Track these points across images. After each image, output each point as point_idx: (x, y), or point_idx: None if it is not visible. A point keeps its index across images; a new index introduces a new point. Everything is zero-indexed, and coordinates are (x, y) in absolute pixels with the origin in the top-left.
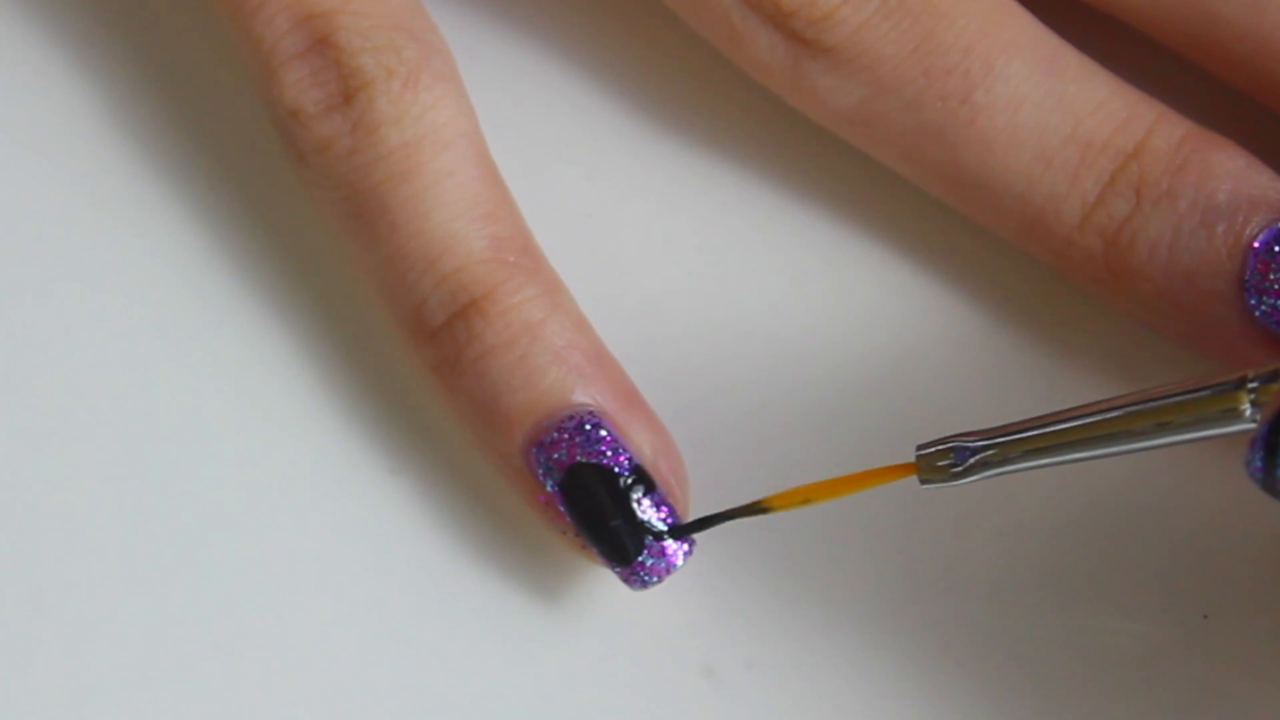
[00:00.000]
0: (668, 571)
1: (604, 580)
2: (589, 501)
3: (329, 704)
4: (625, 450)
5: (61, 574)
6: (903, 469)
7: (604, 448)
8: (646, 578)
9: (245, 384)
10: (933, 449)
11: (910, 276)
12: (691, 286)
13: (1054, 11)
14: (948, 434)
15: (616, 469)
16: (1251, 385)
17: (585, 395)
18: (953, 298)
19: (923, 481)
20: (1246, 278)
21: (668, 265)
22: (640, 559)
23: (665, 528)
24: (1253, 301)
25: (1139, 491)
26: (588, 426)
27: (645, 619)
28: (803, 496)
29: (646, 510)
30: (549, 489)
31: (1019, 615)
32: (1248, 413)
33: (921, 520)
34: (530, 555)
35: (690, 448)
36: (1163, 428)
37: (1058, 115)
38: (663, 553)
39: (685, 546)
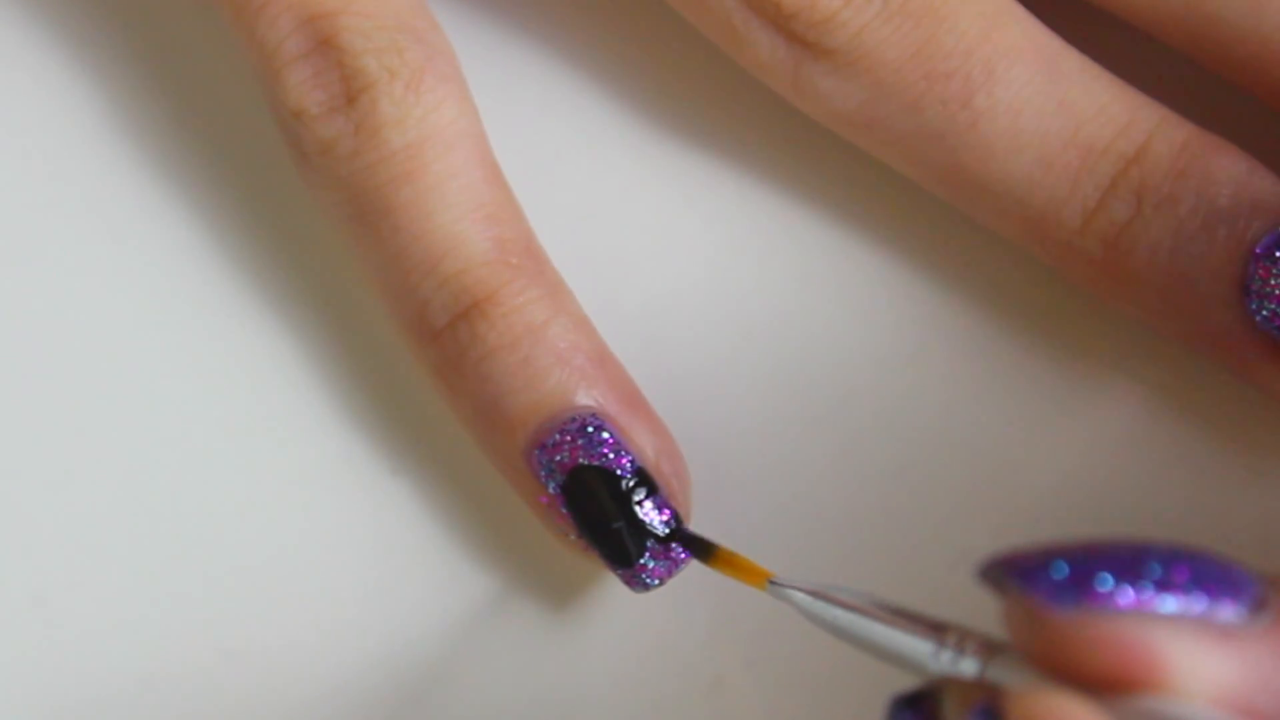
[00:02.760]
0: (670, 574)
1: (607, 582)
2: (591, 504)
3: (329, 706)
4: (627, 452)
5: (62, 575)
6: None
7: (606, 450)
8: (649, 580)
9: (246, 384)
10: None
11: (914, 277)
12: (694, 287)
13: (1055, 11)
14: (949, 433)
15: (618, 471)
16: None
17: (588, 397)
18: (956, 299)
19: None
20: (1247, 282)
21: (670, 266)
22: (642, 561)
23: (667, 531)
24: (1253, 306)
25: (1140, 494)
26: (590, 429)
27: (648, 621)
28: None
29: (649, 512)
30: (551, 491)
31: None
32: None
33: (923, 519)
34: (532, 556)
35: (692, 449)
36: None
37: (1059, 119)
38: (665, 555)
39: (682, 551)
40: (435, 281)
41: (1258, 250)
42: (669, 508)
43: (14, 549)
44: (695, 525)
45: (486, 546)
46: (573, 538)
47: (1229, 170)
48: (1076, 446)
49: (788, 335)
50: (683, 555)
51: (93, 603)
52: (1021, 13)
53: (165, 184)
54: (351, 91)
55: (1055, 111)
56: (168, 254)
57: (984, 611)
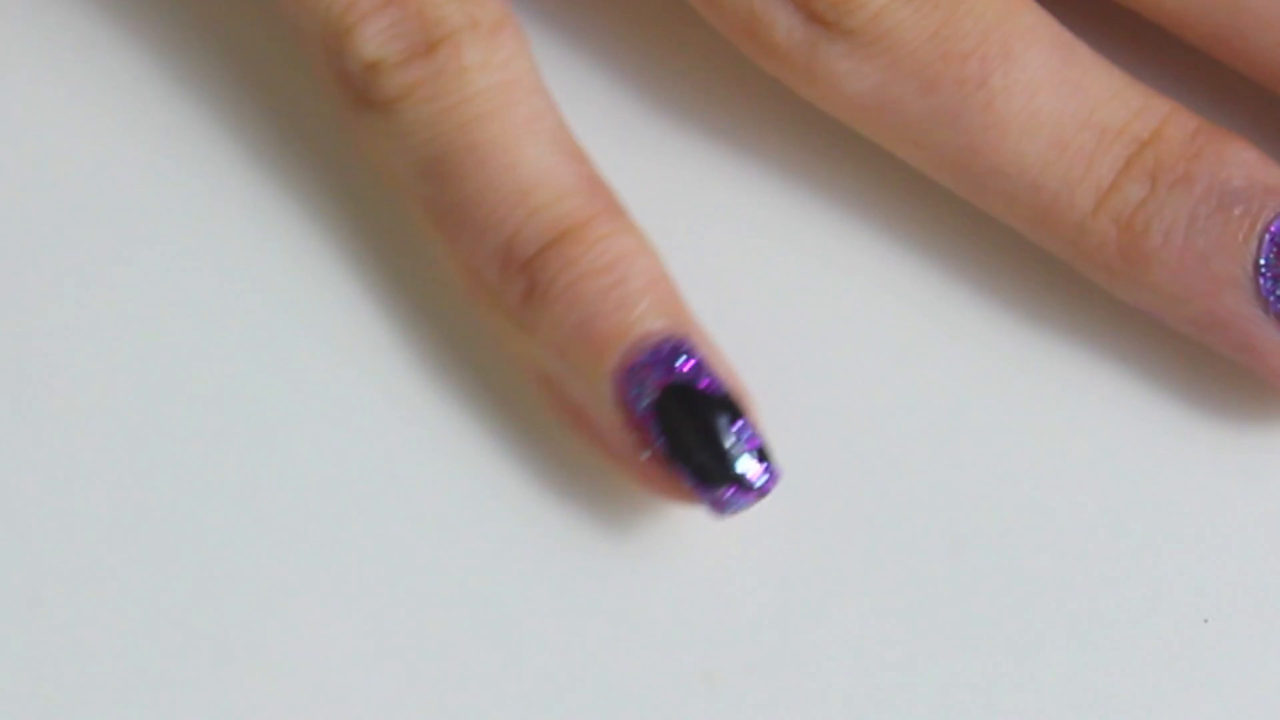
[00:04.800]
0: (753, 501)
1: (600, 580)
2: (684, 423)
3: (326, 710)
4: (717, 377)
5: (59, 577)
6: None
7: (699, 372)
8: (735, 502)
9: (242, 387)
10: None
11: (916, 276)
12: (696, 284)
13: (1064, 11)
14: (948, 429)
15: (711, 391)
16: None
17: (677, 324)
18: (959, 297)
19: None
20: (1262, 263)
21: (670, 265)
22: (729, 485)
23: (757, 454)
24: (1267, 287)
25: (1138, 497)
26: (683, 350)
27: (640, 617)
28: None
29: (737, 436)
30: (640, 412)
31: (1018, 620)
32: None
33: (922, 523)
34: (529, 559)
35: None
36: None
37: (1074, 101)
38: (750, 481)
39: (772, 476)
40: (525, 211)
41: (1273, 229)
42: (757, 437)
43: (11, 551)
44: (694, 522)
45: (484, 549)
46: (657, 467)
47: (1242, 156)
48: (1075, 444)
49: (787, 334)
50: (767, 484)
51: (91, 605)
52: (1035, 4)
53: (159, 184)
54: (433, 39)
55: (1071, 93)
56: (163, 257)
57: (981, 608)
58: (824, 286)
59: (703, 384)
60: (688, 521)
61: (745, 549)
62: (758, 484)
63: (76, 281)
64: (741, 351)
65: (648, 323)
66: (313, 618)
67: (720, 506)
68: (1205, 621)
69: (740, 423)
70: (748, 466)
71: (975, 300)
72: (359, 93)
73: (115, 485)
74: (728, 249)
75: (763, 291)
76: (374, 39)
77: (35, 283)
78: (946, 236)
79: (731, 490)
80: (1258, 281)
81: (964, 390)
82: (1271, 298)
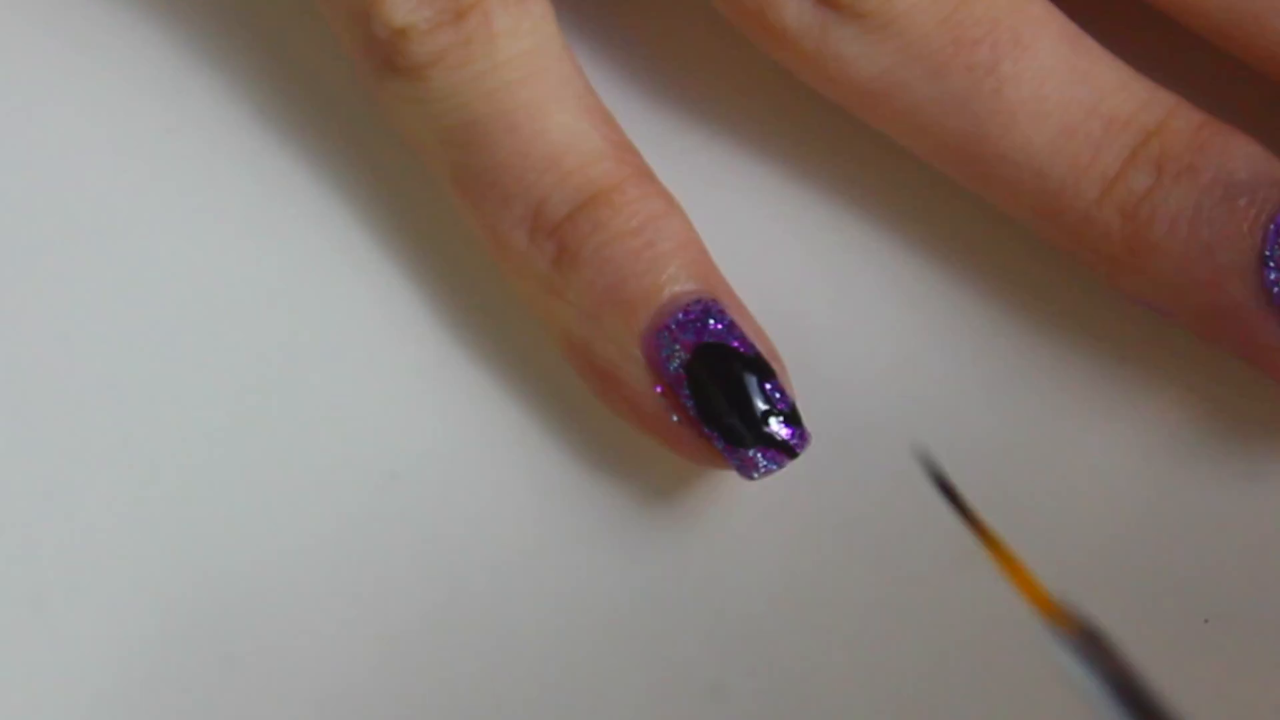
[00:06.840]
0: (783, 464)
1: (602, 586)
2: (715, 384)
3: (329, 711)
4: (747, 339)
5: (62, 580)
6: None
7: (729, 333)
8: (765, 463)
9: (240, 387)
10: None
11: (918, 275)
12: None
13: (1068, 7)
14: (950, 432)
15: (743, 350)
16: None
17: (706, 286)
18: (961, 298)
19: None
20: (1267, 254)
21: None
22: (760, 446)
23: (785, 414)
24: (1271, 278)
25: (1138, 496)
26: (713, 311)
27: (647, 624)
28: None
29: (768, 397)
30: (671, 371)
31: (1019, 622)
32: None
33: (922, 527)
34: (529, 561)
35: None
36: None
37: (1082, 90)
38: (780, 442)
39: (802, 437)
40: (556, 176)
41: (1278, 220)
42: (788, 399)
43: (14, 553)
44: (696, 521)
45: (482, 551)
46: (686, 428)
47: (1247, 149)
48: (1075, 443)
49: (786, 333)
50: (798, 446)
51: (93, 608)
52: None
53: (152, 170)
54: (462, 6)
55: (1079, 82)
56: (163, 262)
57: (982, 610)
58: (824, 286)
59: (733, 345)
60: (689, 523)
61: (746, 552)
62: (788, 445)
63: (76, 274)
64: None
65: (678, 284)
66: (313, 622)
67: (750, 468)
68: (1205, 622)
69: (770, 384)
70: (778, 428)
71: (976, 300)
72: (386, 59)
73: (116, 485)
74: (727, 248)
75: (762, 291)
76: (403, 5)
77: (33, 278)
78: (949, 234)
79: (761, 451)
80: (1262, 273)
81: (964, 391)
82: (1275, 289)
